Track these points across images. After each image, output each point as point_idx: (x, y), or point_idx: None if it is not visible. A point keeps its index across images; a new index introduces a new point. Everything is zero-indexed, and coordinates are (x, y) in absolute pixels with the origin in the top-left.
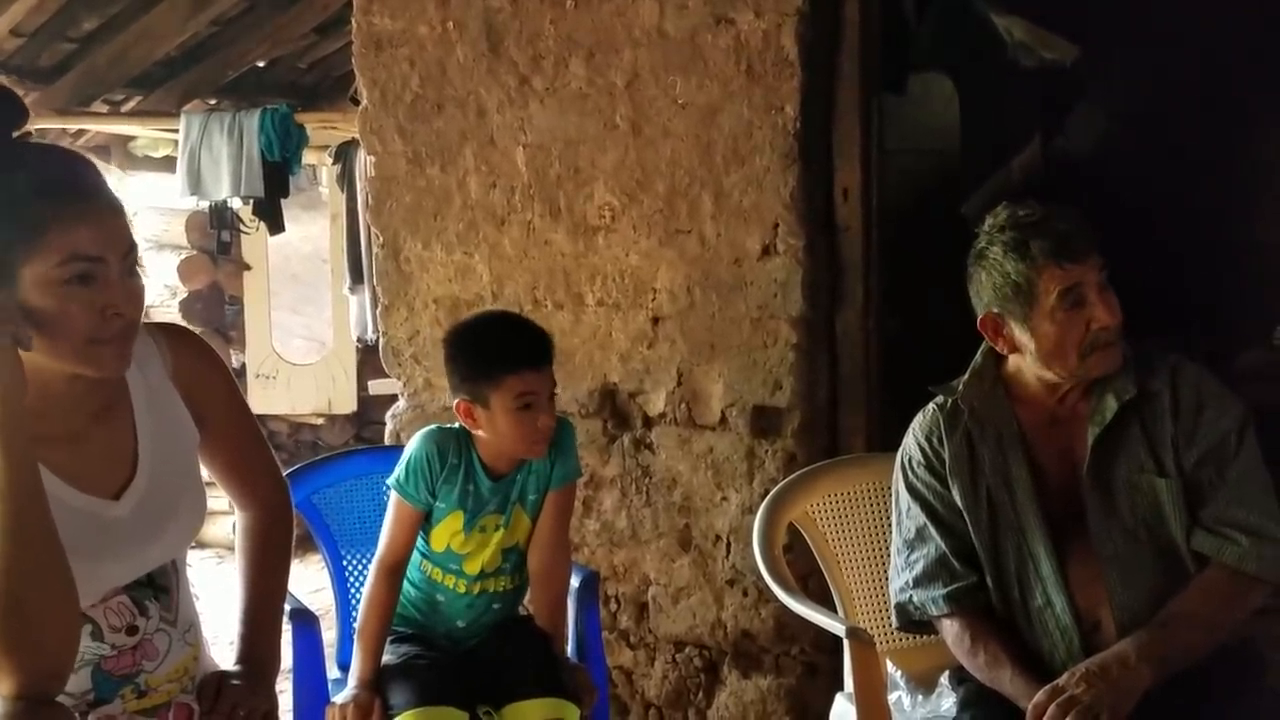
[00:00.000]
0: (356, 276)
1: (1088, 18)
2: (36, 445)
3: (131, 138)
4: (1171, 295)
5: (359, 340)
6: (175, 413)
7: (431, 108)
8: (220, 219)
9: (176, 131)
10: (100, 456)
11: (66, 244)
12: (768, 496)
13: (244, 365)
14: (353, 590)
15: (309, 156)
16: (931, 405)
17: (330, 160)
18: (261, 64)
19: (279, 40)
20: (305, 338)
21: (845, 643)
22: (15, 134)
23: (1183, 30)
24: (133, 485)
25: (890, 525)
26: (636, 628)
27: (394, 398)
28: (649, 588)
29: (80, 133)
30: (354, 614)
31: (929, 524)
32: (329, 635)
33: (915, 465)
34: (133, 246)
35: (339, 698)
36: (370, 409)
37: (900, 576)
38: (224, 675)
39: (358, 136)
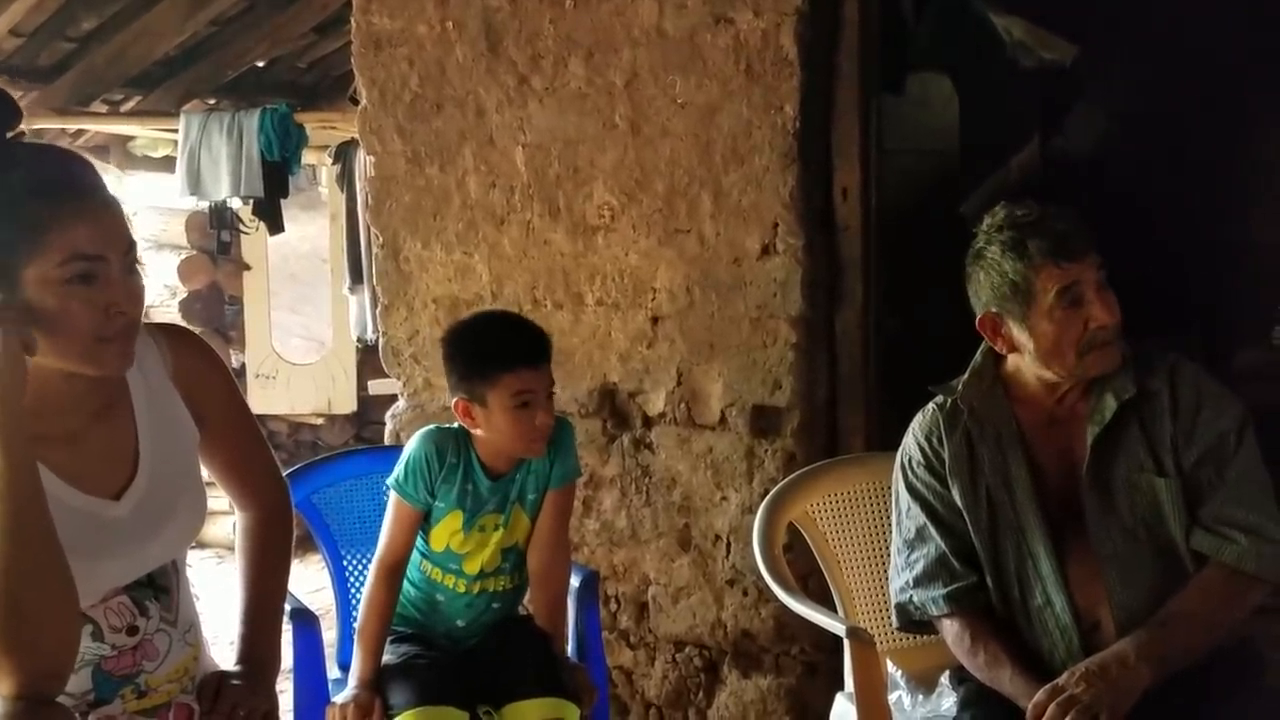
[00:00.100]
0: (356, 276)
1: (1087, 18)
2: (36, 445)
3: (131, 137)
4: (1171, 295)
5: (359, 340)
6: (175, 413)
7: (431, 107)
8: (220, 219)
9: (176, 131)
10: (100, 456)
11: (67, 243)
12: (767, 496)
13: (244, 365)
14: (353, 590)
15: (308, 156)
16: (931, 405)
17: (330, 160)
18: (261, 64)
19: (278, 40)
20: (305, 338)
21: (845, 642)
22: (10, 134)
23: (1182, 30)
24: (133, 485)
25: (890, 525)
26: (636, 627)
27: (394, 398)
28: (649, 587)
29: (79, 133)
30: (354, 614)
31: (929, 524)
32: (329, 635)
33: (915, 465)
34: (132, 244)
35: (339, 697)
36: (370, 409)
37: (900, 576)
38: (224, 675)
39: (357, 136)
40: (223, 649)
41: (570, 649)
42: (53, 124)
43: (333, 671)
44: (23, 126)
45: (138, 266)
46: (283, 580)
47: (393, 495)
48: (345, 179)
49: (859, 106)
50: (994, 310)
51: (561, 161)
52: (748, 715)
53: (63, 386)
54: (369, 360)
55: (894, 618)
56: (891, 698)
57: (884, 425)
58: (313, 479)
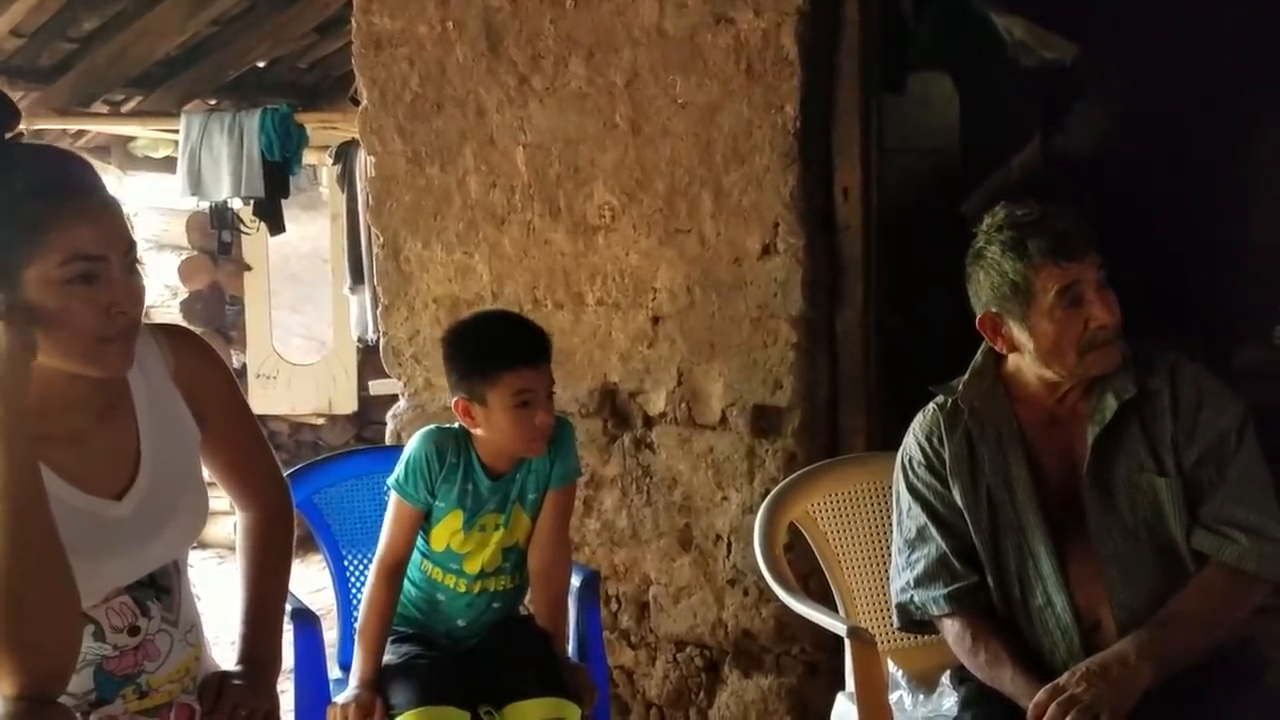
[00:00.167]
0: (357, 276)
1: (1087, 18)
2: (39, 445)
3: (131, 138)
4: (1171, 295)
5: (359, 340)
6: (177, 413)
7: (431, 107)
8: (220, 219)
9: (176, 132)
10: (102, 457)
11: (67, 243)
12: (768, 496)
13: (244, 365)
14: (354, 590)
15: (309, 156)
16: (931, 405)
17: (330, 160)
18: (261, 64)
19: (279, 40)
20: (306, 338)
21: (846, 642)
22: (9, 135)
23: (1182, 30)
24: (135, 485)
25: (891, 525)
26: (637, 627)
27: (394, 398)
28: (650, 587)
29: (80, 133)
30: (355, 614)
31: (929, 524)
32: (330, 635)
33: (915, 465)
34: (132, 244)
35: (340, 698)
36: (371, 409)
37: (901, 576)
38: (225, 675)
39: (358, 136)
40: (224, 649)
41: (571, 649)
42: (54, 124)
43: (334, 671)
44: (23, 127)
45: (138, 266)
46: (284, 580)
47: (393, 495)
48: (346, 179)
49: (860, 106)
50: (994, 310)
51: (562, 161)
52: (749, 715)
53: (66, 387)
54: (370, 360)
55: (895, 618)
56: (892, 697)
57: (885, 425)
58: (314, 479)
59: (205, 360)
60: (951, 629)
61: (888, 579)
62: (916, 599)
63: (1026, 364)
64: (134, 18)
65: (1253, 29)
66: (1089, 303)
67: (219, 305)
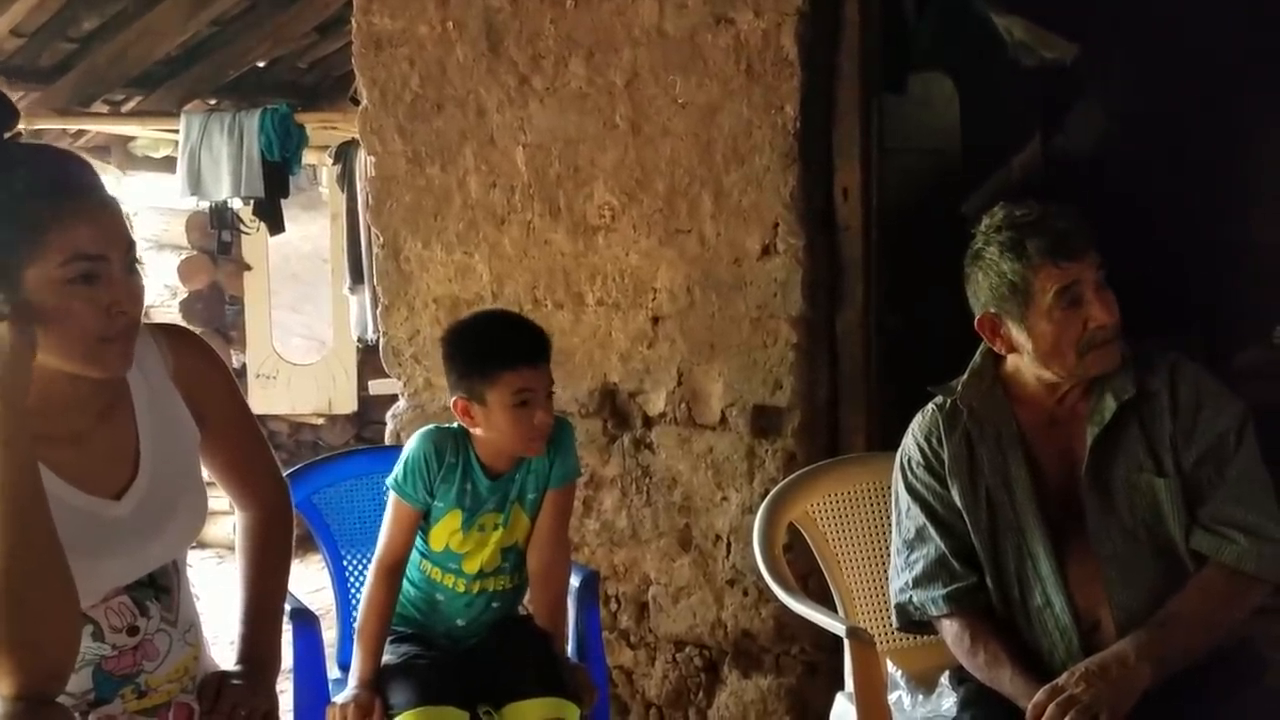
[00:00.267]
0: (357, 276)
1: (1087, 18)
2: (40, 445)
3: (131, 138)
4: (1171, 295)
5: (359, 340)
6: (176, 413)
7: (431, 107)
8: (220, 219)
9: (176, 132)
10: (102, 457)
11: (68, 243)
12: (768, 496)
13: (244, 365)
14: (353, 590)
15: (309, 156)
16: (930, 405)
17: (330, 160)
18: (261, 64)
19: (279, 40)
20: (305, 338)
21: (845, 642)
22: (7, 135)
23: (1182, 30)
24: (134, 485)
25: (890, 525)
26: (637, 627)
27: (394, 398)
28: (649, 587)
29: (80, 133)
30: (354, 614)
31: (928, 524)
32: (329, 635)
33: (914, 466)
34: (132, 244)
35: (339, 698)
36: (371, 409)
37: (900, 577)
38: (224, 675)
39: (358, 136)
40: (223, 649)
41: (570, 649)
42: (54, 124)
43: (333, 671)
44: (22, 127)
45: (138, 266)
46: (283, 580)
47: (392, 495)
48: (346, 179)
49: (860, 106)
50: (993, 311)
51: (562, 161)
52: (748, 715)
53: (66, 387)
54: (369, 360)
55: (894, 618)
56: (891, 698)
57: (885, 425)
58: (313, 479)
59: (204, 360)
60: (950, 629)
61: (887, 579)
62: (915, 599)
63: (1025, 364)
64: (134, 18)
65: (1253, 29)
66: (1088, 303)
67: (219, 305)
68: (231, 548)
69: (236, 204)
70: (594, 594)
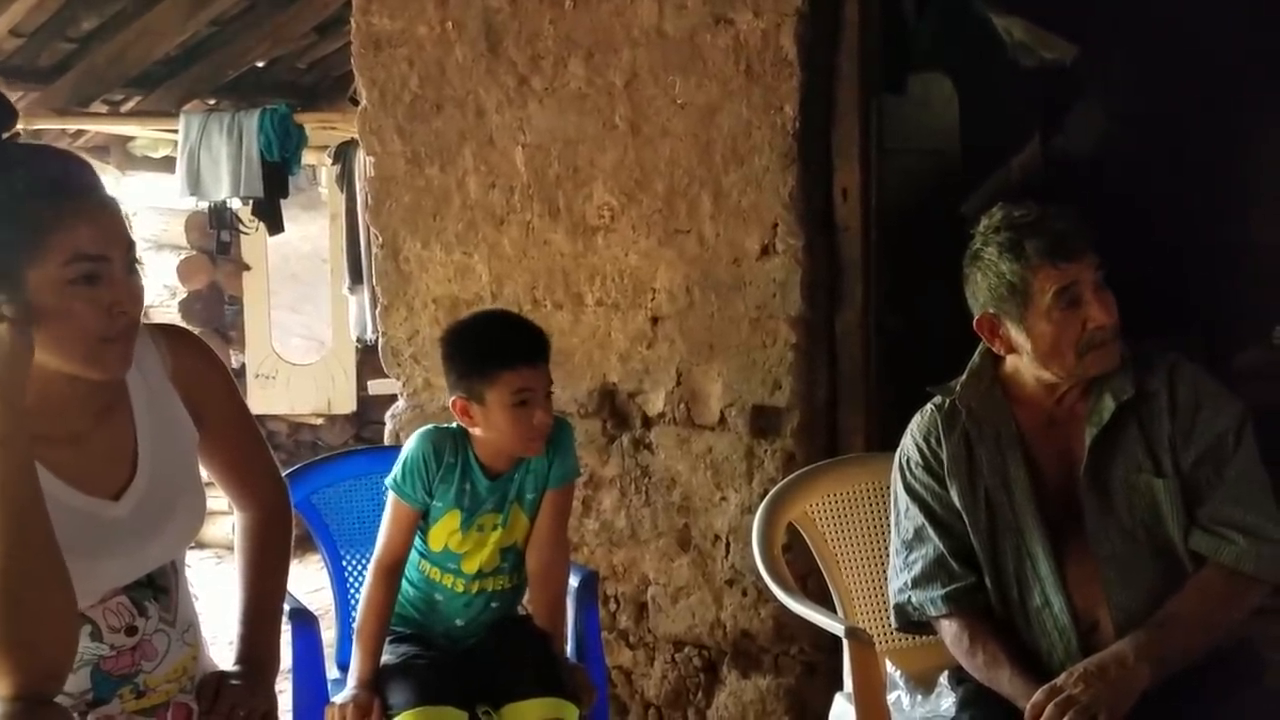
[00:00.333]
0: (356, 276)
1: (1087, 18)
2: (39, 446)
3: (131, 138)
4: (1171, 295)
5: (358, 340)
6: (175, 413)
7: (430, 108)
8: (219, 219)
9: (176, 132)
10: (101, 457)
11: (70, 244)
12: (767, 496)
13: (243, 365)
14: (352, 590)
15: (308, 157)
16: (929, 406)
17: (329, 160)
18: (261, 64)
19: (278, 40)
20: (305, 338)
21: (844, 643)
22: (5, 135)
23: (1182, 30)
24: (132, 486)
25: (889, 525)
26: (636, 627)
27: (393, 398)
28: (648, 587)
29: (79, 133)
30: (353, 614)
31: (927, 525)
32: (328, 635)
33: (913, 466)
34: (132, 244)
35: (338, 698)
36: (370, 409)
37: (899, 577)
38: (223, 675)
39: (357, 137)
40: (222, 649)
41: (569, 649)
42: (53, 124)
43: (332, 672)
44: (21, 127)
45: (137, 266)
46: (282, 580)
47: (390, 495)
48: (345, 179)
49: (859, 107)
50: (991, 311)
51: (561, 162)
52: (747, 715)
53: (65, 388)
54: (369, 360)
55: (892, 618)
56: (890, 698)
57: (884, 425)
58: (312, 479)
59: (203, 360)
60: (949, 630)
61: (886, 580)
62: (914, 600)
63: (1024, 365)
64: (133, 18)
65: (1253, 29)
66: (1087, 304)
67: (218, 305)
68: (230, 548)
69: (236, 204)
70: (593, 594)
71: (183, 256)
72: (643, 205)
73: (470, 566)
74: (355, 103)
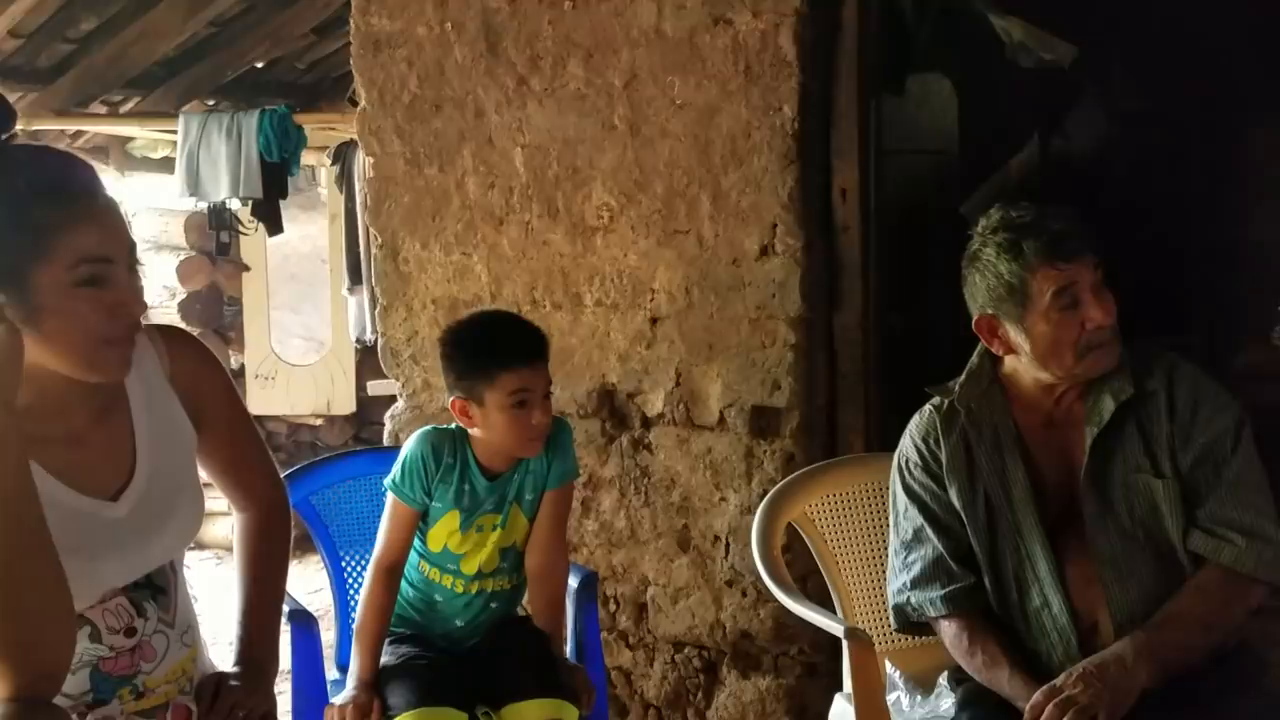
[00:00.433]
0: (355, 277)
1: (1087, 18)
2: (37, 446)
3: (130, 138)
4: (1171, 295)
5: (358, 341)
6: (173, 414)
7: (430, 108)
8: (219, 220)
9: (175, 132)
10: (99, 458)
11: (75, 246)
12: (766, 497)
13: (243, 366)
14: (351, 591)
15: (308, 157)
16: (928, 407)
17: (329, 161)
18: (260, 64)
19: (278, 40)
20: (304, 338)
21: (844, 643)
22: (4, 136)
23: (1182, 30)
24: (131, 486)
25: (888, 526)
26: (635, 628)
27: (393, 398)
28: (648, 588)
29: (79, 134)
30: (352, 615)
31: (926, 525)
32: (328, 636)
33: (912, 467)
34: (133, 245)
35: (338, 699)
36: (369, 410)
37: (898, 578)
38: (222, 676)
39: (356, 137)
40: (222, 649)
41: (569, 649)
42: (52, 125)
43: (331, 672)
44: (20, 128)
45: (138, 268)
46: (281, 581)
47: (390, 496)
48: (344, 180)
49: (859, 107)
50: (990, 312)
51: (560, 162)
52: (746, 716)
53: (62, 388)
54: (368, 361)
55: (892, 619)
56: (890, 698)
57: (883, 426)
58: (311, 480)
59: (202, 361)
60: (948, 630)
61: (885, 580)
62: (913, 600)
63: (1023, 366)
64: (133, 18)
65: (1253, 29)
66: (1085, 304)
67: (217, 306)
68: (230, 549)
69: (235, 205)
70: (592, 595)
71: (182, 257)
72: (642, 205)
73: (469, 567)
74: (354, 103)
